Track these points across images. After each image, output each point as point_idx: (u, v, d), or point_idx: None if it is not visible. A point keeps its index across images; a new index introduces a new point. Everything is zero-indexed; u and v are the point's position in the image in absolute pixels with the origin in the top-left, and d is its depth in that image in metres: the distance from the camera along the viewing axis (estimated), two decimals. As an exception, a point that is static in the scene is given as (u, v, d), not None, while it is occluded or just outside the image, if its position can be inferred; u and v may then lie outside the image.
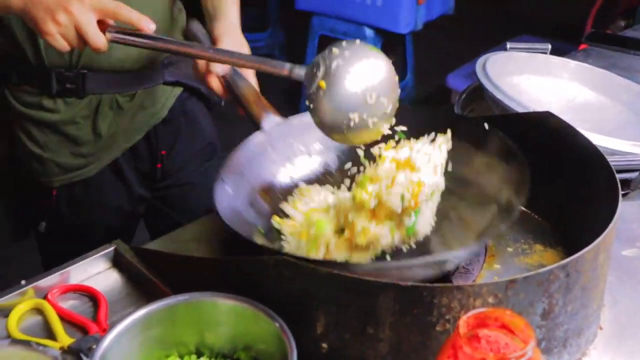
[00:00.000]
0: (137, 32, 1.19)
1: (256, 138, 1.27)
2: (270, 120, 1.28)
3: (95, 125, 1.52)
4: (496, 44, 3.83)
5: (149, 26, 1.18)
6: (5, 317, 1.12)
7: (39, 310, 1.14)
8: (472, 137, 1.26)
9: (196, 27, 1.38)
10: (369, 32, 3.86)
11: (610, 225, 1.01)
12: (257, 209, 1.23)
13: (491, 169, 1.24)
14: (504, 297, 0.92)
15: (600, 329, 1.12)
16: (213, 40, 1.34)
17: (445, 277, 1.14)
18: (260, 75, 1.32)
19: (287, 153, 1.31)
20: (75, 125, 1.51)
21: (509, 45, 1.82)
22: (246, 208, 1.21)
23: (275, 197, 1.27)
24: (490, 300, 0.91)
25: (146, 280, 1.17)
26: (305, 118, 1.28)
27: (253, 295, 0.96)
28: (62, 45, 1.18)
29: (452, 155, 1.23)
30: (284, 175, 1.30)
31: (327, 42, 4.00)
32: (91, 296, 1.18)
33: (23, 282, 1.16)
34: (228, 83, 1.31)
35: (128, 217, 1.70)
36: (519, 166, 1.16)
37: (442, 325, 0.92)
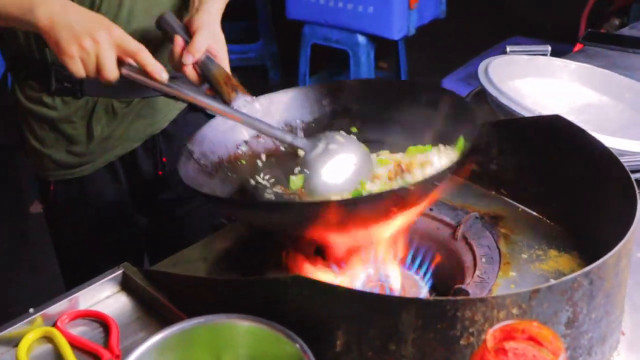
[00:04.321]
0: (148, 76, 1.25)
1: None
2: (240, 99, 1.29)
3: (90, 127, 1.54)
4: (488, 46, 3.85)
5: (161, 75, 1.24)
6: (15, 347, 1.09)
7: (48, 339, 1.12)
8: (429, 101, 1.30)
9: (170, 17, 1.39)
10: (361, 39, 3.85)
11: (632, 227, 0.99)
12: (222, 179, 1.26)
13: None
14: (527, 307, 0.90)
15: (623, 334, 1.10)
16: (190, 32, 1.35)
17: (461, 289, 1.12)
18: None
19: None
20: (70, 124, 1.54)
21: (508, 48, 1.81)
22: (212, 178, 1.24)
23: (239, 169, 1.29)
24: (514, 311, 0.89)
25: (156, 303, 1.15)
26: (274, 97, 1.35)
27: (269, 316, 0.94)
28: (79, 69, 1.23)
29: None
30: (249, 148, 1.32)
31: (320, 50, 4.03)
32: (101, 321, 1.15)
33: (31, 310, 1.13)
34: (201, 68, 1.33)
35: (128, 225, 1.70)
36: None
37: (466, 338, 0.90)
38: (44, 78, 1.49)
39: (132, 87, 1.50)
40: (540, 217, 1.33)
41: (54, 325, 1.13)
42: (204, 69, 1.32)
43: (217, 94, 1.30)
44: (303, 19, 3.98)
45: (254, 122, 1.23)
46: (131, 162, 1.62)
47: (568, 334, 0.95)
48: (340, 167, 1.21)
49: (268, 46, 4.63)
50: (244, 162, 1.30)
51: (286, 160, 1.28)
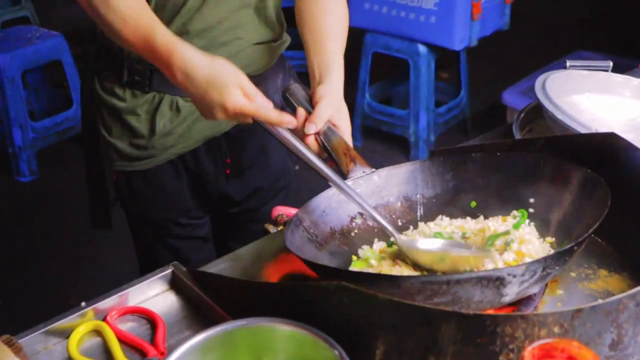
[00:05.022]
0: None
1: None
2: (357, 170, 1.30)
3: (153, 121, 1.59)
4: (552, 59, 3.80)
5: (289, 123, 1.29)
6: (66, 339, 1.14)
7: (98, 332, 1.15)
8: (551, 172, 1.26)
9: (296, 88, 1.42)
10: (422, 48, 3.83)
11: (682, 252, 0.97)
12: (332, 251, 1.23)
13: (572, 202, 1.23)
14: (570, 326, 0.89)
15: (671, 359, 1.07)
16: (313, 103, 1.37)
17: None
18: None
19: (372, 202, 1.29)
20: (135, 116, 1.59)
21: (568, 63, 1.78)
22: (321, 249, 1.22)
23: (352, 241, 1.27)
24: (556, 330, 0.89)
25: (203, 304, 1.17)
26: (394, 170, 1.33)
27: (311, 321, 0.95)
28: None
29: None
30: (362, 221, 1.30)
31: (380, 59, 4.02)
32: (149, 318, 1.19)
33: (83, 303, 1.17)
34: (322, 139, 1.34)
35: (188, 223, 1.73)
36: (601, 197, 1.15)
37: (506, 355, 0.90)
38: (118, 69, 1.57)
39: None
40: (592, 236, 1.31)
41: (104, 319, 1.17)
42: (325, 139, 1.33)
43: (336, 164, 1.32)
44: (364, 27, 3.99)
45: (355, 197, 1.22)
46: (193, 162, 1.65)
47: (612, 356, 0.93)
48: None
49: (329, 53, 4.65)
50: (356, 233, 1.29)
51: None
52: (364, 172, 1.31)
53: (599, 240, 1.30)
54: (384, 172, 1.32)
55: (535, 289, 1.10)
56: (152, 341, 1.13)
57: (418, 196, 1.33)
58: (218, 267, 1.30)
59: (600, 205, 1.13)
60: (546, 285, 1.19)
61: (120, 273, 1.88)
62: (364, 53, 4.04)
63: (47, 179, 3.96)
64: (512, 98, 3.80)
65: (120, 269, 2.87)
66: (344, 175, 1.29)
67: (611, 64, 1.80)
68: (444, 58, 4.04)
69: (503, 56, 4.78)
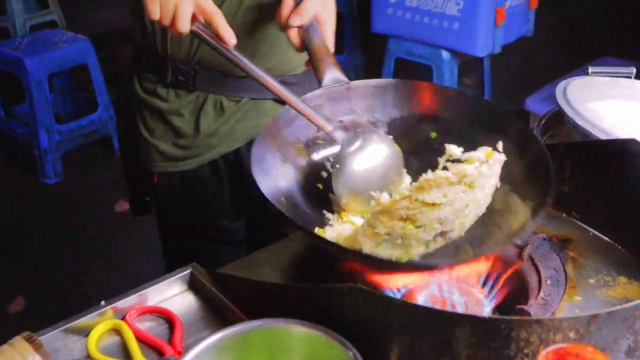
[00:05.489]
0: (218, 39, 1.28)
1: (314, 93, 1.28)
2: (332, 78, 1.28)
3: (197, 121, 1.60)
4: (577, 66, 3.77)
5: (230, 40, 1.27)
6: (85, 337, 1.15)
7: (117, 331, 1.17)
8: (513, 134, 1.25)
9: None
10: (445, 55, 3.83)
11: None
12: (294, 163, 1.27)
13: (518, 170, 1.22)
14: (585, 332, 0.88)
15: (689, 367, 1.06)
16: None
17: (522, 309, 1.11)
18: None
19: (340, 113, 1.30)
20: (180, 117, 1.60)
21: (590, 69, 1.77)
22: (284, 161, 1.26)
23: (315, 151, 1.29)
24: (572, 335, 0.88)
25: (221, 304, 1.18)
26: (369, 83, 1.32)
27: (326, 323, 0.96)
28: (155, 11, 1.28)
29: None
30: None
31: (403, 64, 4.03)
32: (167, 318, 1.20)
33: (103, 302, 1.18)
34: (304, 36, 1.33)
35: (226, 223, 1.73)
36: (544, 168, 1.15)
37: (520, 359, 0.89)
38: (162, 70, 1.58)
39: (242, 85, 1.59)
40: (612, 242, 1.30)
41: (123, 318, 1.18)
42: (307, 36, 1.32)
43: (313, 67, 1.31)
44: (388, 33, 3.99)
45: (300, 104, 1.22)
46: (235, 162, 1.66)
47: (628, 362, 0.93)
48: (371, 167, 1.21)
49: (352, 58, 4.67)
50: (320, 143, 1.29)
51: None
52: (337, 81, 1.29)
53: (619, 247, 1.29)
54: (356, 84, 1.31)
55: None
56: (170, 341, 1.14)
57: (384, 115, 1.32)
58: (236, 268, 1.31)
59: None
60: (564, 291, 1.19)
61: (140, 273, 1.89)
62: (387, 59, 4.05)
63: (72, 181, 4.00)
64: (536, 104, 3.78)
65: (140, 269, 2.90)
66: (318, 82, 1.28)
67: (634, 70, 1.78)
68: (467, 64, 4.04)
69: (527, 62, 4.75)
